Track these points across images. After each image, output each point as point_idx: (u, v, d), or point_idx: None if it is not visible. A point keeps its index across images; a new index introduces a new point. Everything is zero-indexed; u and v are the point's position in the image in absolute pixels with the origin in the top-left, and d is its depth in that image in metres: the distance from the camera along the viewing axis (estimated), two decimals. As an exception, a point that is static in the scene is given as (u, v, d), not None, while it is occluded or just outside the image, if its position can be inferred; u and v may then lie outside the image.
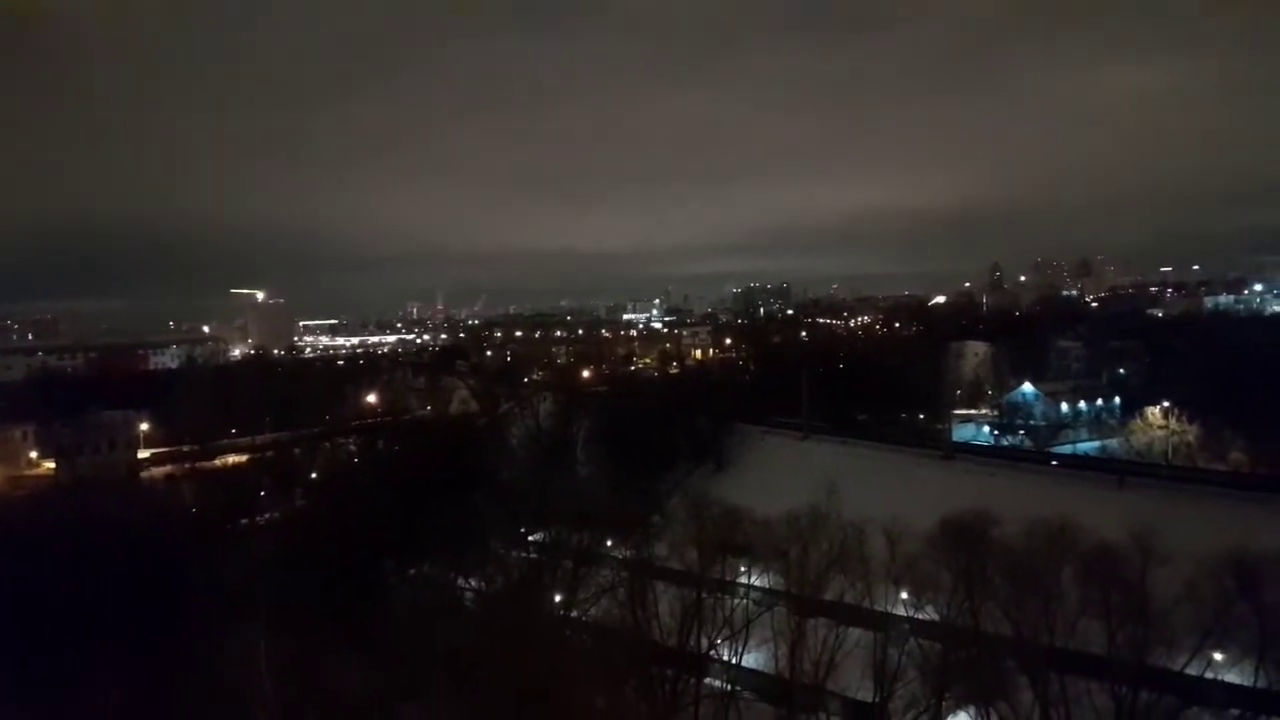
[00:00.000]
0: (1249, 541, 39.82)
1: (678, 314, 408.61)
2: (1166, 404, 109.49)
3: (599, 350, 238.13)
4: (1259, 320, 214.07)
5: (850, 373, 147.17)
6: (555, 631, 47.64)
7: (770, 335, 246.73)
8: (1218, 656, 39.64)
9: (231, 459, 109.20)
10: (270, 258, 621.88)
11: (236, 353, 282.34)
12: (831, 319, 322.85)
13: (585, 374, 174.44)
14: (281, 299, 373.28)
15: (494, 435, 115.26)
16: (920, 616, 45.20)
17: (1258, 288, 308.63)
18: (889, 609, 47.13)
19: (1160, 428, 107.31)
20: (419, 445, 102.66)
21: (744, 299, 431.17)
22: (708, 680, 48.06)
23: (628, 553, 57.35)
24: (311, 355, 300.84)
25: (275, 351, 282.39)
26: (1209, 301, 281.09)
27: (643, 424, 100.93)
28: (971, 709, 41.36)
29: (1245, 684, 38.99)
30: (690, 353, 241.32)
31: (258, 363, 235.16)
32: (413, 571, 64.12)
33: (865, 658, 44.10)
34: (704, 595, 47.54)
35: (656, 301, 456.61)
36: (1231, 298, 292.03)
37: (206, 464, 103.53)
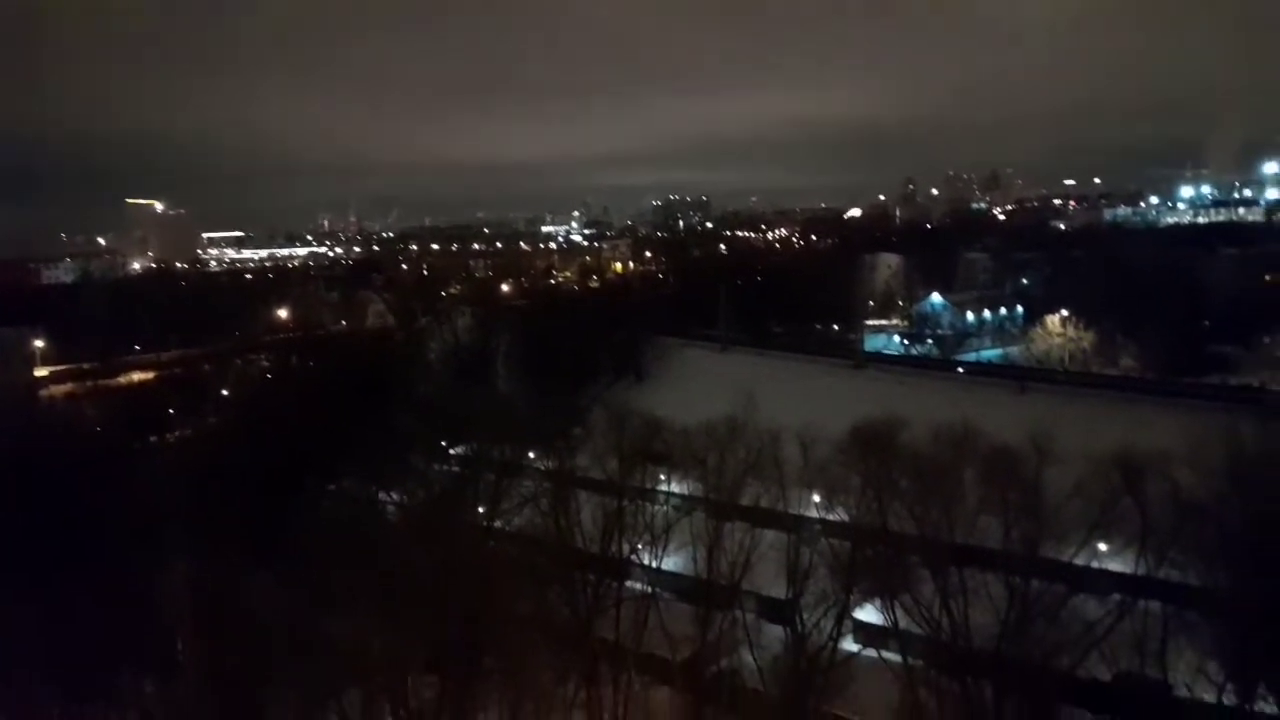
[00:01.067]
0: (1135, 440, 42.35)
1: (597, 227, 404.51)
2: (1065, 313, 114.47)
3: (518, 264, 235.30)
4: (1153, 232, 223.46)
5: (768, 285, 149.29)
6: (479, 541, 48.26)
7: (690, 248, 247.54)
8: (1102, 547, 42.53)
9: (137, 376, 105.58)
10: (169, 167, 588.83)
11: (136, 266, 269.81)
12: (750, 232, 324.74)
13: (504, 288, 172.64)
14: (182, 210, 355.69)
15: (412, 350, 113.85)
16: (831, 518, 47.10)
17: (1153, 200, 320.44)
18: (801, 512, 48.97)
19: (1059, 335, 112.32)
20: (335, 361, 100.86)
21: (664, 212, 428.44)
22: (629, 583, 49.53)
23: (549, 464, 57.95)
24: (217, 269, 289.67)
25: (178, 265, 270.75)
26: (1108, 214, 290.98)
27: (563, 337, 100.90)
28: (877, 601, 43.74)
29: (1126, 571, 42.05)
30: (610, 266, 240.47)
31: (160, 277, 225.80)
32: (332, 487, 63.68)
33: (779, 558, 45.90)
34: (625, 503, 48.51)
35: (575, 214, 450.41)
36: (1129, 210, 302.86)
37: (110, 382, 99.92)
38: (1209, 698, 33.06)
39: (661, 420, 53.69)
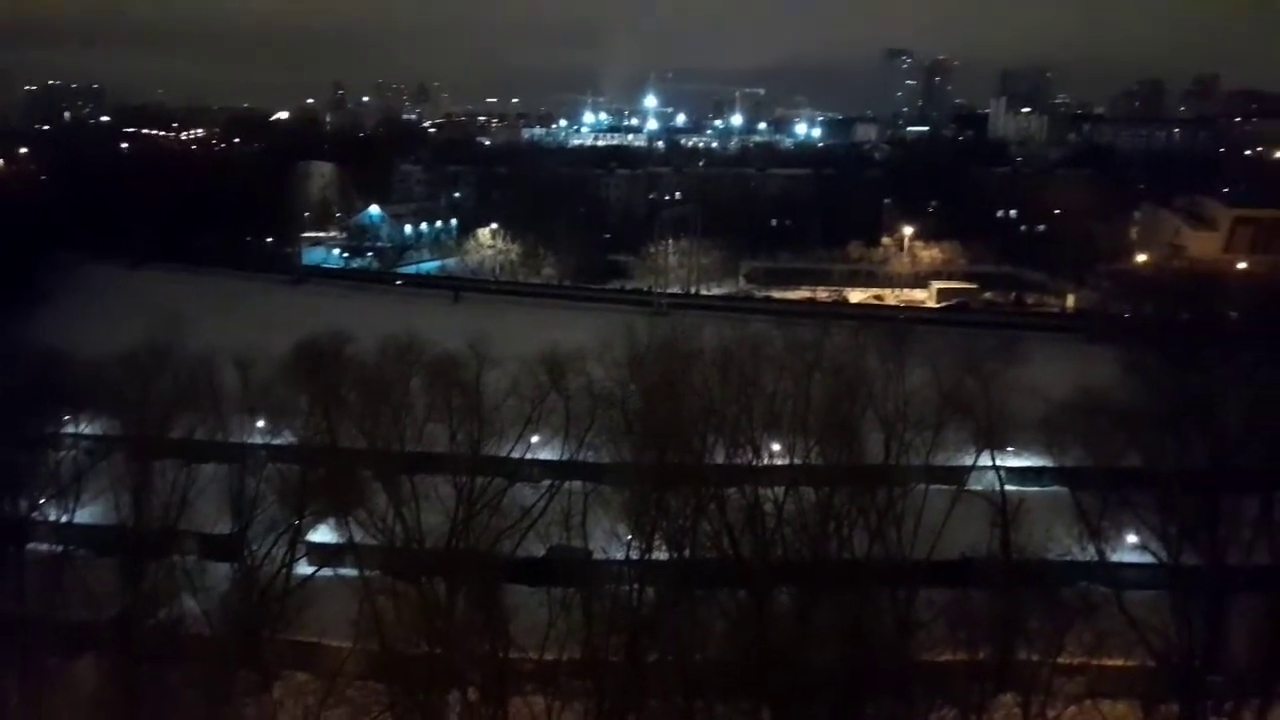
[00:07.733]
0: (558, 341, 47.61)
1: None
2: (495, 226, 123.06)
3: None
4: (564, 151, 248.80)
5: (188, 193, 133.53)
6: None
7: (81, 148, 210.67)
8: (535, 439, 47.40)
9: None
10: None
11: None
12: (159, 131, 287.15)
13: None
14: None
15: None
16: (277, 442, 45.14)
17: (563, 123, 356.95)
18: (245, 439, 46.07)
19: (490, 247, 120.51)
20: None
21: (45, 102, 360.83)
22: (33, 545, 41.93)
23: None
24: None
25: None
26: (526, 133, 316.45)
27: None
28: (330, 520, 43.25)
29: (554, 458, 47.47)
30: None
31: None
32: None
33: (221, 491, 42.75)
34: (21, 453, 40.60)
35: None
36: (543, 130, 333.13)
37: None
38: (619, 555, 39.30)
39: (63, 352, 45.70)
